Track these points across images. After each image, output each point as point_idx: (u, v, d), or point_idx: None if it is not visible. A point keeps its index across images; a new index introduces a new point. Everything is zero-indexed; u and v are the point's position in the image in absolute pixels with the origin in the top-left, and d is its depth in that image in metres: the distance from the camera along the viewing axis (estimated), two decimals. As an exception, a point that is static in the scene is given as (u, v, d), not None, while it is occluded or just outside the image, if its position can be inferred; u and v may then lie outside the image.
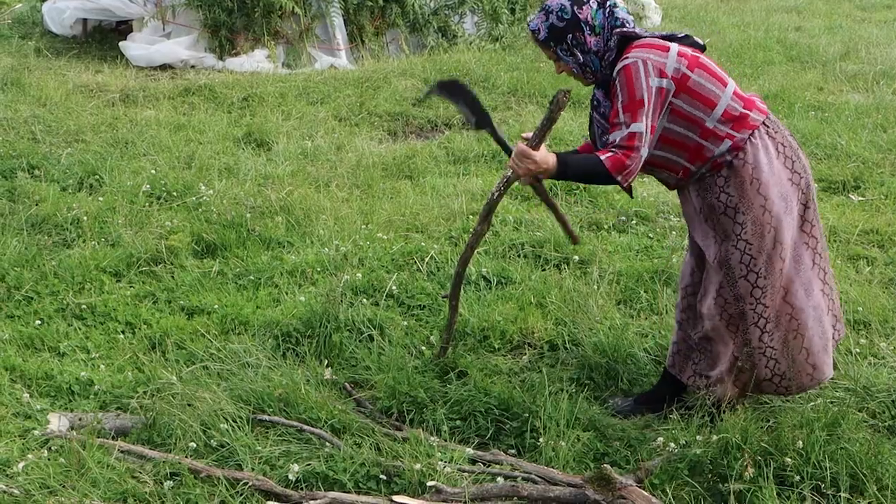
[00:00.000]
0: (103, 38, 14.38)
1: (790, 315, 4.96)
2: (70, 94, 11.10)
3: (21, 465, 4.73)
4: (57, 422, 5.10)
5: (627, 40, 4.85)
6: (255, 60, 13.01)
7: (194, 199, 8.02)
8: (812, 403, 5.12)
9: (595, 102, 5.03)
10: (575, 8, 4.80)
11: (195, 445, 4.89)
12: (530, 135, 4.78)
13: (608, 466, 4.56)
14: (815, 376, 5.07)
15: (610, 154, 4.64)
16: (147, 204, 7.97)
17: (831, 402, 5.13)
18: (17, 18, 14.91)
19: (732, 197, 4.81)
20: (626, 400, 5.49)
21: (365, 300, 6.46)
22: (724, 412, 4.98)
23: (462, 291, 6.00)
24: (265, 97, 11.31)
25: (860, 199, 8.35)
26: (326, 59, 13.27)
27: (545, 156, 4.68)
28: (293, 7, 13.12)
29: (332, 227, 7.59)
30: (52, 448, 4.90)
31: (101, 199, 7.98)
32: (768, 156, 4.83)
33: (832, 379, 5.44)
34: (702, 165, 4.84)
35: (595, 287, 6.52)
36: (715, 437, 4.75)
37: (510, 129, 10.28)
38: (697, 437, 4.84)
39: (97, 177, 8.49)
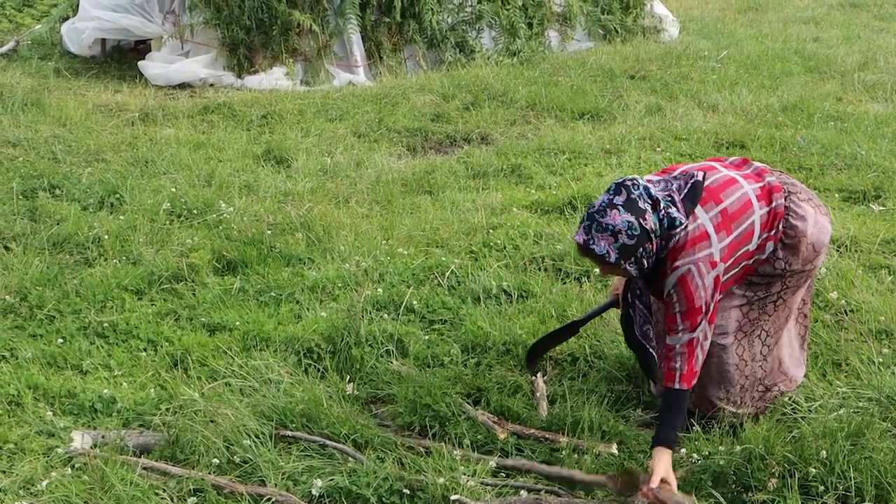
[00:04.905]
0: (122, 57, 14.44)
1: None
2: (90, 114, 11.14)
3: (45, 483, 4.75)
4: (80, 439, 5.11)
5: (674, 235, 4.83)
6: (274, 78, 13.05)
7: (214, 216, 8.03)
8: (835, 413, 5.10)
9: (638, 292, 5.10)
10: (641, 221, 4.66)
11: (218, 462, 4.91)
12: (668, 492, 4.59)
13: (633, 465, 4.57)
14: (788, 376, 5.41)
15: (680, 377, 4.76)
16: (167, 222, 7.99)
17: (854, 412, 5.12)
18: (36, 39, 14.97)
19: (794, 265, 5.03)
20: (648, 412, 5.47)
21: (386, 315, 6.47)
22: (745, 423, 4.99)
23: (482, 305, 6.01)
24: (284, 114, 11.33)
25: (881, 208, 8.32)
26: (344, 76, 13.30)
27: (667, 467, 4.63)
28: (311, 24, 13.16)
29: (352, 242, 7.59)
30: (76, 466, 4.92)
31: (121, 217, 8.01)
32: (814, 218, 5.02)
33: (855, 388, 5.44)
34: (750, 272, 5.05)
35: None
36: (738, 448, 4.75)
37: (529, 143, 10.29)
38: (720, 447, 4.84)
39: (118, 196, 8.51)
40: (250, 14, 13.01)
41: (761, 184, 4.98)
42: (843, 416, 5.00)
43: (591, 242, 4.70)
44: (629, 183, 4.71)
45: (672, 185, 4.84)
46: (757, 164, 5.18)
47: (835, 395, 5.42)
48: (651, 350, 5.16)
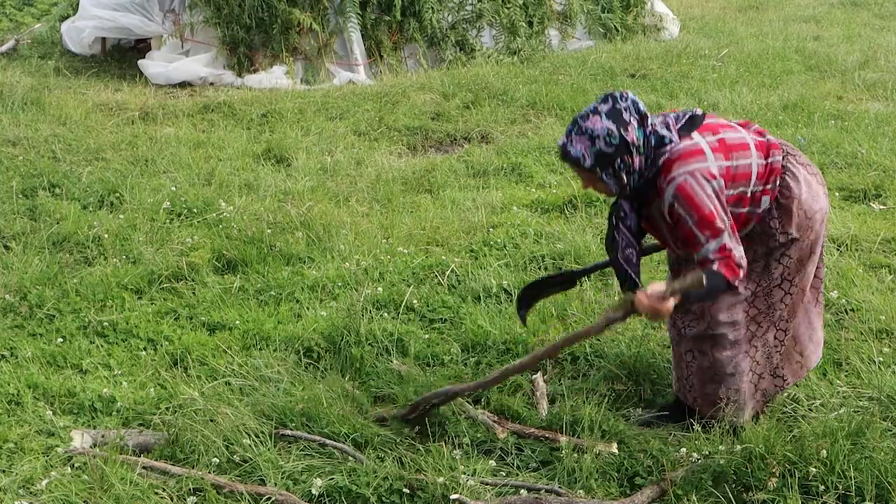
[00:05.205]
0: (122, 56, 14.43)
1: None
2: (90, 113, 11.13)
3: (45, 482, 4.74)
4: (80, 439, 5.11)
5: (662, 153, 4.78)
6: (274, 77, 13.04)
7: (214, 215, 8.03)
8: (835, 413, 5.10)
9: (622, 214, 4.96)
10: (622, 131, 4.63)
11: (218, 461, 4.90)
12: (658, 288, 4.59)
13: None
14: (804, 363, 5.29)
15: (720, 261, 4.62)
16: (167, 221, 7.99)
17: (855, 412, 5.12)
18: (37, 38, 14.96)
19: (788, 233, 4.93)
20: (649, 411, 5.47)
21: (386, 314, 6.47)
22: (746, 423, 4.99)
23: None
24: (284, 113, 11.32)
25: (881, 207, 8.32)
26: (345, 75, 13.29)
27: (667, 290, 4.58)
28: (311, 23, 13.15)
29: (352, 241, 7.59)
30: (76, 465, 4.92)
31: (121, 216, 8.01)
32: (807, 183, 4.94)
33: (855, 388, 5.44)
34: (746, 226, 4.93)
35: (616, 298, 6.50)
36: (738, 448, 4.74)
37: (529, 141, 10.28)
38: (720, 447, 4.83)
39: (118, 194, 8.51)
40: (250, 13, 13.00)
41: (761, 139, 4.95)
42: (844, 415, 5.00)
43: (568, 145, 4.71)
44: (618, 94, 4.72)
45: (669, 116, 4.86)
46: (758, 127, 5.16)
47: (835, 395, 5.43)
48: (633, 274, 5.08)
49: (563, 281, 5.81)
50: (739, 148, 4.82)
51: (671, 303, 4.55)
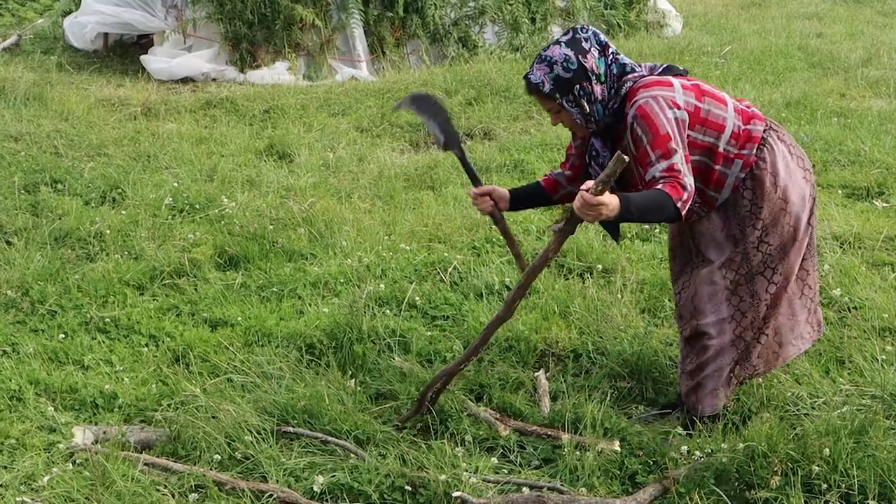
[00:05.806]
0: (124, 52, 14.44)
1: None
2: (92, 109, 11.13)
3: (46, 478, 4.74)
4: (81, 435, 5.11)
5: (625, 82, 4.81)
6: (276, 73, 13.04)
7: (217, 211, 8.03)
8: (838, 411, 5.09)
9: (594, 153, 4.98)
10: (580, 57, 4.70)
11: (220, 458, 4.90)
12: (591, 184, 4.39)
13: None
14: (780, 354, 5.26)
15: (665, 181, 4.55)
16: (170, 217, 7.98)
17: (858, 410, 5.10)
18: (39, 34, 14.97)
19: (759, 207, 4.87)
20: (651, 409, 5.46)
21: (388, 311, 6.46)
22: (748, 420, 4.98)
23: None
24: (286, 109, 11.32)
25: (884, 205, 8.30)
26: (347, 71, 13.29)
27: (610, 198, 4.40)
28: (314, 19, 13.15)
29: (354, 238, 7.59)
30: (77, 462, 4.91)
31: (123, 212, 8.00)
32: (784, 160, 4.92)
33: (858, 386, 5.43)
34: (719, 191, 4.89)
35: (619, 296, 6.50)
36: (741, 446, 4.72)
37: (532, 138, 10.27)
38: (723, 445, 4.82)
39: (120, 190, 8.50)
40: (253, 8, 13.01)
41: (745, 108, 4.96)
42: (847, 413, 4.98)
43: (530, 74, 4.78)
44: (580, 27, 4.81)
45: (646, 64, 4.92)
46: None
47: (838, 393, 5.41)
48: None
49: (447, 130, 5.36)
50: (714, 97, 4.84)
51: (606, 195, 4.38)
